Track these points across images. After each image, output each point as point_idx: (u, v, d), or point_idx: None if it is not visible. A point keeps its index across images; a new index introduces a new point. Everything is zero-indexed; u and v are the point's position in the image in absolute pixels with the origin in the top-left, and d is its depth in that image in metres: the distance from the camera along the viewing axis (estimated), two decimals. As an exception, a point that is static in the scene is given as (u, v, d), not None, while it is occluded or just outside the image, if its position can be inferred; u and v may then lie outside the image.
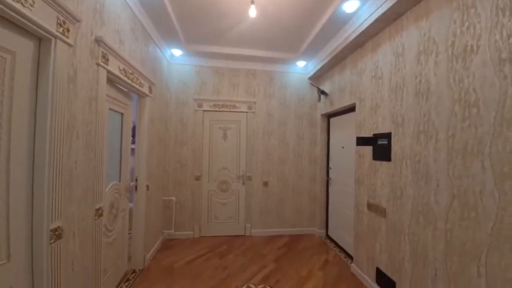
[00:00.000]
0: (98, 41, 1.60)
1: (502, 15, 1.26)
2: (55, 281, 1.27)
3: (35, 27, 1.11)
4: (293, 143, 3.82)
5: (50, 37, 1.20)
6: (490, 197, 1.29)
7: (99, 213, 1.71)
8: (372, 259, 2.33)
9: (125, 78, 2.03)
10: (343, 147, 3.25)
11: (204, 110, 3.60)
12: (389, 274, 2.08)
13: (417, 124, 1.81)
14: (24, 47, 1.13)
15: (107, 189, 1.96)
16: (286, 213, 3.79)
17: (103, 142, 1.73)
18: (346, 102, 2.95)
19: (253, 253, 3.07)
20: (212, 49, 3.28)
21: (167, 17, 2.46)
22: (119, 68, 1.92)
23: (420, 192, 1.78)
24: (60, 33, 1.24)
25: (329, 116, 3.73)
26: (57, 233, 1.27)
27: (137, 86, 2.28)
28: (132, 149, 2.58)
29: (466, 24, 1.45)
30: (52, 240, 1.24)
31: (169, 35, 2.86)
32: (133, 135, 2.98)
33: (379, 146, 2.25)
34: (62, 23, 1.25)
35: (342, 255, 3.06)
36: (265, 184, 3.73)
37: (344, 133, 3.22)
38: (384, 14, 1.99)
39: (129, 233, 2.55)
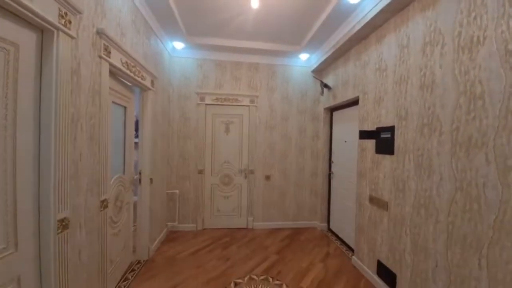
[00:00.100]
0: (100, 33, 1.59)
1: (509, 5, 1.23)
2: (62, 270, 1.30)
3: (37, 19, 1.11)
4: (296, 137, 3.81)
5: (53, 29, 1.20)
6: (493, 190, 1.29)
7: (104, 204, 1.74)
8: (373, 251, 2.35)
9: (127, 71, 2.03)
10: (345, 141, 3.24)
11: (206, 104, 3.60)
12: (389, 266, 2.11)
13: (421, 117, 1.80)
14: (27, 39, 1.13)
15: (111, 181, 1.99)
16: (288, 206, 3.82)
17: (107, 135, 1.75)
18: (349, 96, 2.92)
19: (255, 245, 3.11)
20: (214, 42, 3.25)
21: (169, 9, 2.43)
22: (121, 61, 1.91)
23: (422, 185, 1.77)
24: (62, 24, 1.24)
25: (332, 109, 3.71)
26: (64, 223, 1.30)
27: (139, 79, 2.28)
28: (135, 143, 2.60)
29: (473, 14, 1.42)
30: (59, 230, 1.27)
31: (171, 27, 2.83)
32: (136, 129, 3.00)
33: (382, 140, 2.24)
34: (64, 15, 1.24)
35: (344, 248, 3.09)
36: (267, 178, 3.74)
37: (347, 127, 3.20)
38: (389, 4, 1.95)
39: (133, 226, 2.59)
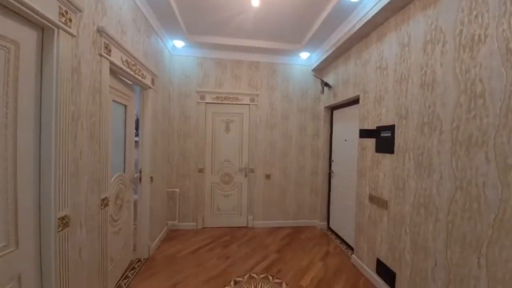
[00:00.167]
0: (100, 31, 1.59)
1: (510, 3, 1.23)
2: (63, 268, 1.31)
3: (37, 17, 1.11)
4: (296, 136, 3.81)
5: (53, 27, 1.20)
6: (493, 189, 1.29)
7: (104, 203, 1.75)
8: (372, 250, 2.36)
9: (128, 70, 2.03)
10: (345, 140, 3.24)
11: (206, 103, 3.59)
12: (389, 264, 2.11)
13: (421, 116, 1.80)
14: (27, 37, 1.13)
15: (112, 180, 1.99)
16: (288, 205, 3.82)
17: (108, 133, 1.75)
18: (349, 94, 2.92)
19: (256, 244, 3.12)
20: (214, 40, 3.24)
21: (169, 7, 2.42)
22: (121, 59, 1.91)
23: (422, 184, 1.77)
24: (63, 23, 1.24)
25: (332, 108, 3.70)
26: (64, 221, 1.30)
27: (139, 78, 2.28)
28: (136, 142, 2.60)
29: (474, 12, 1.41)
30: (60, 228, 1.27)
31: (171, 26, 2.83)
32: (136, 128, 3.00)
33: (382, 139, 2.24)
34: (64, 13, 1.24)
35: (343, 247, 3.10)
36: (268, 176, 3.75)
37: (347, 126, 3.20)
38: (390, 2, 1.95)
39: (134, 224, 2.60)
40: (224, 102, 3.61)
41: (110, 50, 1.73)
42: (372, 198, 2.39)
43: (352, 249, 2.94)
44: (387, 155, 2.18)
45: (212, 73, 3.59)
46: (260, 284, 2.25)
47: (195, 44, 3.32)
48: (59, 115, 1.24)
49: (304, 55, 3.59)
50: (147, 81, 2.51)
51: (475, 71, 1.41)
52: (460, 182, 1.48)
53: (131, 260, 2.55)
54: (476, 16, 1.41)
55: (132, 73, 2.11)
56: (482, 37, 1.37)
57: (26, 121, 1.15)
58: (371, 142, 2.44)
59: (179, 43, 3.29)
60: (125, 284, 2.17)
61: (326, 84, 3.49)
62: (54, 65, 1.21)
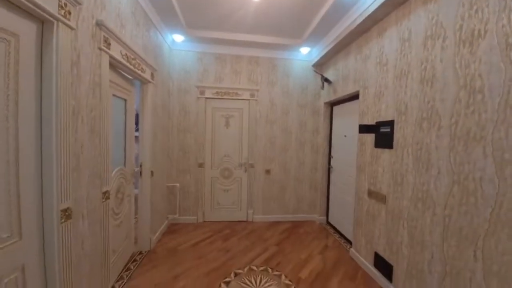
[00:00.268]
0: (100, 25, 1.58)
1: (513, -3, 1.22)
2: (66, 259, 1.33)
3: (37, 9, 1.10)
4: (296, 131, 3.82)
5: (52, 19, 1.19)
6: (490, 183, 1.31)
7: (106, 196, 1.76)
8: (370, 244, 2.39)
9: (127, 64, 2.03)
10: (345, 136, 3.25)
11: (206, 98, 3.59)
12: (386, 258, 2.14)
13: (421, 111, 1.80)
14: (27, 30, 1.13)
15: (113, 174, 2.01)
16: (288, 200, 3.85)
17: (108, 127, 1.76)
18: (349, 90, 2.92)
19: (255, 237, 3.16)
20: (214, 35, 3.22)
21: (168, 1, 2.40)
22: (121, 53, 1.91)
23: (420, 178, 1.79)
24: (62, 15, 1.23)
25: (332, 104, 3.70)
26: (66, 213, 1.32)
27: (139, 72, 2.27)
28: (136, 137, 2.61)
29: (475, 7, 1.41)
30: (63, 220, 1.29)
31: (170, 20, 2.81)
32: (136, 123, 3.01)
33: (382, 134, 2.25)
34: (63, 6, 1.24)
35: (342, 241, 3.14)
36: (267, 171, 3.77)
37: (347, 121, 3.21)
38: (391, -3, 1.94)
39: (135, 217, 2.63)
40: (224, 97, 3.60)
41: (109, 44, 1.72)
42: (371, 193, 2.41)
43: (350, 243, 2.98)
44: (386, 150, 2.19)
45: (212, 68, 3.58)
46: (259, 276, 2.29)
47: (195, 38, 3.30)
48: (59, 109, 1.25)
49: (304, 50, 3.57)
50: (147, 75, 2.50)
51: (474, 66, 1.41)
52: (457, 177, 1.50)
53: (132, 252, 2.59)
54: (476, 11, 1.40)
55: (131, 67, 2.10)
56: (482, 32, 1.36)
57: (27, 114, 1.15)
58: (370, 138, 2.45)
59: (178, 38, 3.27)
60: (127, 276, 2.21)
61: (326, 80, 3.48)
62: (53, 57, 1.21)
